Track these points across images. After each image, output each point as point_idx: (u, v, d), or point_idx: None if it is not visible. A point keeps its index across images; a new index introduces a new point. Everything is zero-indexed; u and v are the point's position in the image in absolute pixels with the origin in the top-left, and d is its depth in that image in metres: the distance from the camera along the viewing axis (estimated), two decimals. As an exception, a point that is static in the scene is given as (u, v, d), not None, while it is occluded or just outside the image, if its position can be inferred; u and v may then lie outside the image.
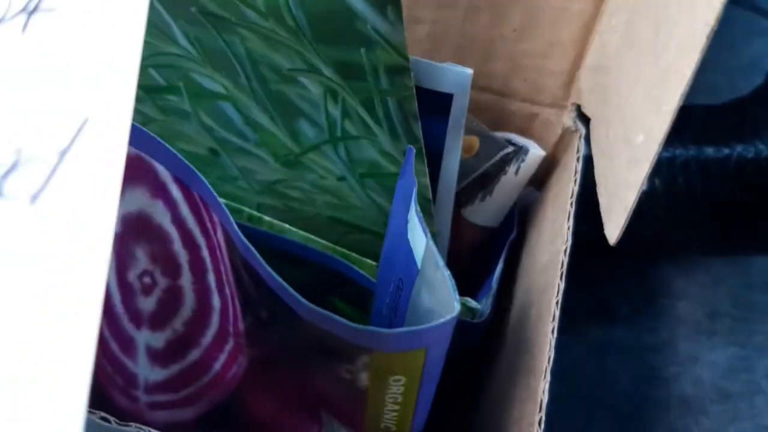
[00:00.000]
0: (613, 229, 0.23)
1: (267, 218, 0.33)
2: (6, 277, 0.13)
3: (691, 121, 0.36)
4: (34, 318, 0.13)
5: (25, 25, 0.16)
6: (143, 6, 0.15)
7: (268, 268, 0.23)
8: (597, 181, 0.26)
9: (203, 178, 0.24)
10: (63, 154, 0.15)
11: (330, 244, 0.33)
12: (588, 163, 0.30)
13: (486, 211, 0.32)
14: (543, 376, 0.25)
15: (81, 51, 0.15)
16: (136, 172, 0.26)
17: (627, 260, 0.37)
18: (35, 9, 0.15)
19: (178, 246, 0.27)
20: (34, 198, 0.14)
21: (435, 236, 0.33)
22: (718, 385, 0.35)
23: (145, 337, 0.30)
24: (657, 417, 0.35)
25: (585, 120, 0.30)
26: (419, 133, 0.29)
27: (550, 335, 0.26)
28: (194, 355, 0.30)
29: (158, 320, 0.29)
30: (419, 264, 0.25)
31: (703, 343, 0.36)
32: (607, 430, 0.35)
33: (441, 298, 0.23)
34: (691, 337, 0.37)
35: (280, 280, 0.23)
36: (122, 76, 0.15)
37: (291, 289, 0.23)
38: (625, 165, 0.23)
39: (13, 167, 0.14)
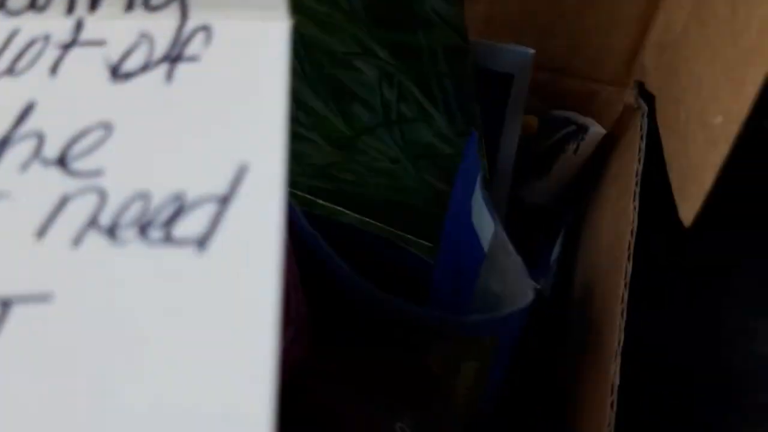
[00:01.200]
0: (689, 211, 0.23)
1: (320, 201, 0.33)
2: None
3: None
4: (208, 367, 0.13)
5: (170, 74, 0.15)
6: (284, 49, 0.15)
7: (337, 259, 0.23)
8: (667, 161, 0.25)
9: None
10: (224, 200, 0.14)
11: (384, 226, 0.33)
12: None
13: (544, 191, 0.32)
14: (614, 358, 0.25)
15: (228, 99, 0.15)
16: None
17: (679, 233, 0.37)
18: (178, 57, 0.15)
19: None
20: (201, 244, 0.14)
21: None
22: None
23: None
24: (718, 389, 0.35)
25: (647, 98, 0.29)
26: (478, 114, 0.28)
27: (619, 317, 0.25)
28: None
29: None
30: (486, 249, 0.25)
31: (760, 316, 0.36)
32: (665, 404, 0.35)
33: (513, 286, 0.23)
34: (747, 309, 0.36)
35: (350, 270, 0.23)
36: (272, 121, 0.15)
37: (361, 279, 0.23)
38: (701, 146, 0.23)
39: (178, 212, 0.14)
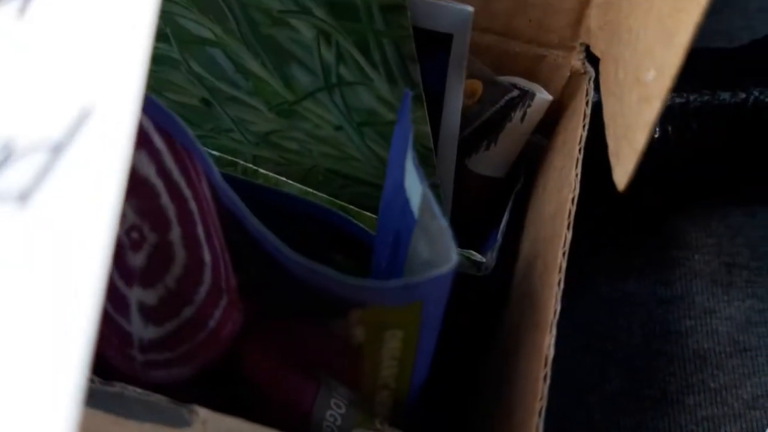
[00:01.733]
0: (622, 174, 0.22)
1: (262, 171, 0.32)
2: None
3: (705, 65, 0.34)
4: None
5: (24, 9, 0.14)
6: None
7: (253, 218, 0.22)
8: (606, 124, 0.24)
9: (183, 124, 0.23)
10: (57, 149, 0.13)
11: (328, 197, 0.32)
12: (598, 109, 0.28)
13: (491, 161, 0.31)
14: (549, 330, 0.24)
15: (85, 38, 0.13)
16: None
17: (640, 211, 0.36)
18: None
19: (165, 199, 0.26)
20: (24, 197, 0.12)
21: (437, 187, 0.32)
22: (735, 339, 0.34)
23: (137, 295, 0.29)
24: (671, 372, 0.34)
25: (595, 61, 0.28)
26: (418, 77, 0.27)
27: (556, 287, 0.24)
28: (188, 312, 0.29)
29: (149, 277, 0.28)
30: (416, 214, 0.24)
31: (719, 296, 0.35)
32: (620, 385, 0.34)
33: (439, 249, 0.22)
34: (707, 290, 0.35)
35: (265, 230, 0.22)
36: (130, 64, 0.13)
37: (277, 240, 0.22)
38: (635, 104, 0.22)
39: (3, 163, 0.13)
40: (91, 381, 0.22)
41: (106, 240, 0.12)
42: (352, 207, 0.31)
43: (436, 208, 0.22)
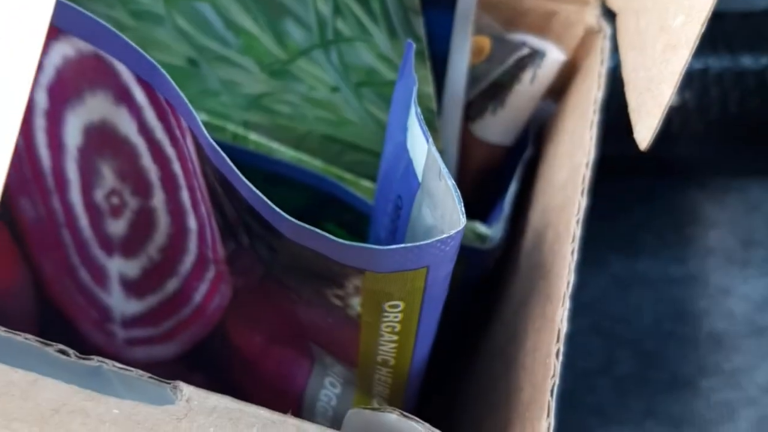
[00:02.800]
0: (645, 131, 0.20)
1: (253, 137, 0.30)
2: None
3: (726, 29, 0.32)
4: None
5: None
6: None
7: (244, 180, 0.20)
8: (625, 80, 0.23)
9: (167, 75, 0.21)
10: None
11: (323, 165, 0.30)
12: (612, 75, 0.27)
13: (498, 126, 0.29)
14: (561, 303, 0.22)
15: None
16: (95, 74, 0.22)
17: (653, 184, 0.34)
18: None
19: (147, 160, 0.24)
20: None
21: (441, 154, 0.30)
22: (752, 319, 0.32)
23: (117, 266, 0.27)
24: (684, 354, 0.32)
25: (611, 18, 0.26)
26: (421, 31, 0.25)
27: (569, 257, 0.22)
28: (172, 285, 0.27)
29: (131, 246, 0.26)
30: (420, 176, 0.22)
31: (735, 275, 0.33)
32: (630, 368, 0.32)
33: (444, 212, 0.20)
34: (723, 268, 0.33)
35: (258, 192, 0.20)
36: None
37: (269, 203, 0.20)
38: (659, 54, 0.20)
39: None
40: (66, 354, 0.20)
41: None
42: (348, 175, 0.30)
43: (443, 168, 0.20)
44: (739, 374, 0.31)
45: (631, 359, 0.32)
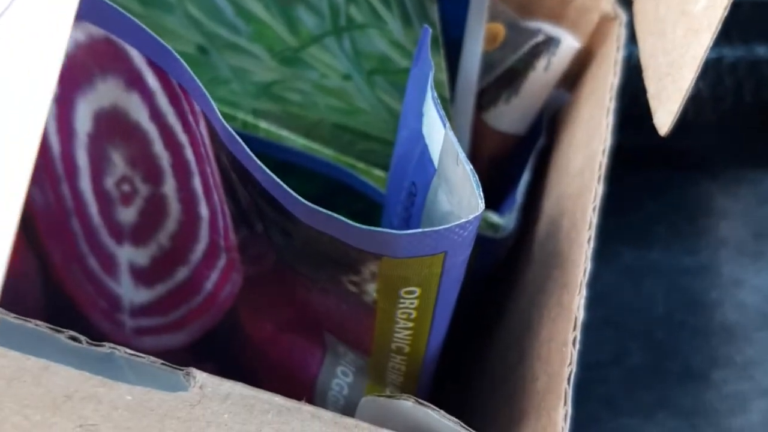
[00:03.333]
0: (666, 115, 0.20)
1: (263, 125, 0.30)
2: None
3: (740, 18, 0.31)
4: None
5: None
6: None
7: (260, 164, 0.20)
8: (643, 67, 0.22)
9: (180, 59, 0.21)
10: None
11: (334, 153, 0.30)
12: (625, 65, 0.26)
13: (511, 115, 0.29)
14: (578, 291, 0.22)
15: None
16: (106, 59, 0.22)
17: (666, 175, 0.34)
18: None
19: (158, 147, 0.24)
20: None
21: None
22: (764, 311, 0.32)
23: (127, 254, 0.26)
24: (696, 346, 0.32)
25: (627, 4, 0.26)
26: (435, 17, 0.25)
27: (585, 245, 0.22)
28: (183, 273, 0.26)
29: (141, 234, 0.26)
30: (436, 162, 0.22)
31: (747, 266, 0.33)
32: (642, 359, 0.32)
33: (462, 197, 0.20)
34: (735, 260, 0.33)
35: (273, 176, 0.20)
36: None
37: (286, 187, 0.19)
38: (680, 39, 0.20)
39: None
40: (78, 341, 0.20)
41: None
42: (360, 164, 0.29)
43: (461, 152, 0.20)
44: (751, 366, 0.31)
45: (643, 350, 0.32)
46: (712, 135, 0.31)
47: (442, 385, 0.31)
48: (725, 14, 0.19)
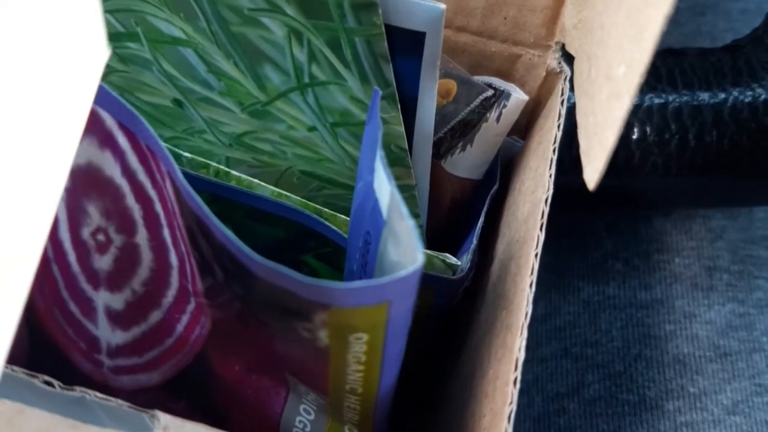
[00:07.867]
0: (592, 173, 0.21)
1: (235, 173, 0.32)
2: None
3: (684, 66, 0.33)
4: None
5: None
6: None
7: (217, 222, 0.22)
8: (578, 123, 0.24)
9: (146, 123, 0.22)
10: None
11: (302, 200, 0.31)
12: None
13: (467, 162, 0.30)
14: (519, 333, 0.23)
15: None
16: (81, 120, 0.24)
17: (620, 215, 0.35)
18: None
19: (130, 200, 0.25)
20: None
21: (413, 189, 0.31)
22: (716, 344, 0.34)
23: (104, 299, 0.28)
24: (650, 377, 0.33)
25: (570, 60, 0.27)
26: (391, 76, 0.27)
27: (527, 290, 0.24)
28: (156, 316, 0.28)
29: (116, 280, 0.27)
30: (385, 215, 0.23)
31: (700, 300, 0.35)
32: (600, 390, 0.33)
33: (405, 250, 0.22)
34: (688, 294, 0.35)
35: (230, 234, 0.21)
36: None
37: (241, 244, 0.21)
38: (605, 101, 0.21)
39: None
40: (51, 385, 0.22)
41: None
42: (325, 210, 0.31)
43: (404, 209, 0.21)
44: (704, 396, 0.33)
45: (601, 382, 0.34)
46: (659, 177, 0.32)
47: (408, 417, 0.33)
48: (642, 80, 0.21)
